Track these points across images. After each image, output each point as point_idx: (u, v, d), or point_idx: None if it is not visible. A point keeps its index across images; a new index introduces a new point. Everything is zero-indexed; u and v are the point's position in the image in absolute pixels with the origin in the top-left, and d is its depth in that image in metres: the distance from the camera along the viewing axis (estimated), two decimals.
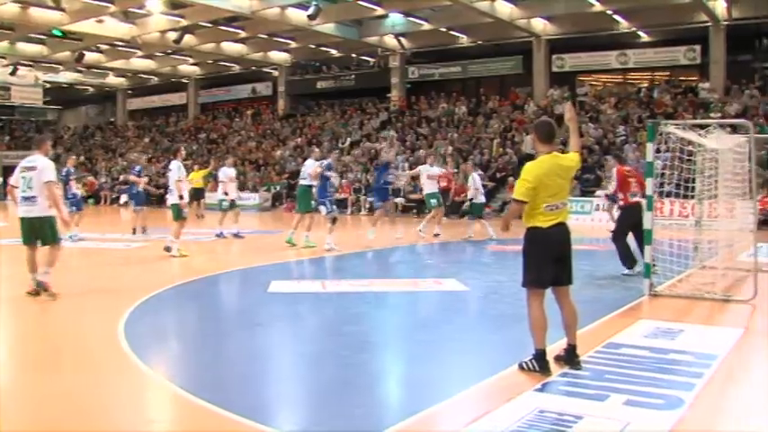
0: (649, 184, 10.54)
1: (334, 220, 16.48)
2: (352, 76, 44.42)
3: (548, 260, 6.55)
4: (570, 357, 6.61)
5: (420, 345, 7.95)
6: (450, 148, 33.78)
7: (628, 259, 12.71)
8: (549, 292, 6.63)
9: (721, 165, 11.93)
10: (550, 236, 6.53)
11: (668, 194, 12.31)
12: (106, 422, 5.49)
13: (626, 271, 12.59)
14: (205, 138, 46.76)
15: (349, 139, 39.08)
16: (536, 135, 6.87)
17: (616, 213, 13.72)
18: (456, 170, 29.77)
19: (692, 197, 12.41)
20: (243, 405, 5.63)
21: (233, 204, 20.29)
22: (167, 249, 15.14)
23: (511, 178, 28.93)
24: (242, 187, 37.11)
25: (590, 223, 26.21)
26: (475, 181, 19.86)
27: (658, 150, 11.04)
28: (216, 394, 5.85)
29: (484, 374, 6.38)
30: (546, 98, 35.82)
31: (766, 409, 5.71)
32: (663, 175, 11.95)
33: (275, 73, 47.20)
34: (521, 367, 6.47)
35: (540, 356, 6.44)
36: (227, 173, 20.59)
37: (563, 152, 6.74)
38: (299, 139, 41.21)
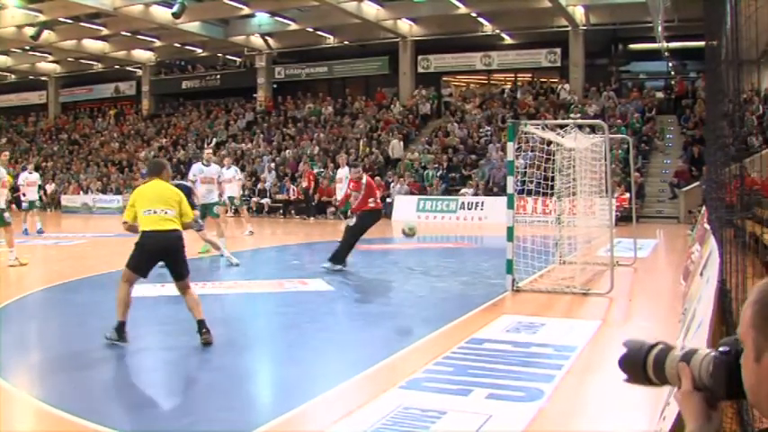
0: (510, 182, 10.76)
1: None
2: (218, 76, 43.78)
3: (146, 258, 7.65)
4: (200, 329, 7.49)
5: (286, 345, 7.91)
6: (318, 148, 33.81)
7: (342, 257, 12.88)
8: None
9: (579, 163, 12.31)
10: (149, 238, 7.53)
11: (530, 192, 12.63)
12: None
13: (327, 264, 12.77)
14: (67, 139, 45.26)
15: (215, 140, 38.52)
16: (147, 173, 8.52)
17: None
18: (322, 170, 29.71)
19: (553, 195, 12.76)
20: (105, 413, 5.48)
21: (32, 205, 22.33)
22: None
23: (378, 178, 29.06)
24: (104, 190, 36.24)
25: (455, 222, 26.67)
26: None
27: (520, 149, 11.30)
28: (77, 404, 5.64)
29: (349, 373, 6.37)
30: (411, 98, 36.28)
31: (620, 396, 5.89)
32: (525, 173, 12.24)
33: (139, 72, 45.98)
34: (106, 338, 7.38)
35: (120, 327, 7.43)
36: (27, 177, 22.46)
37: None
38: (164, 140, 40.41)
